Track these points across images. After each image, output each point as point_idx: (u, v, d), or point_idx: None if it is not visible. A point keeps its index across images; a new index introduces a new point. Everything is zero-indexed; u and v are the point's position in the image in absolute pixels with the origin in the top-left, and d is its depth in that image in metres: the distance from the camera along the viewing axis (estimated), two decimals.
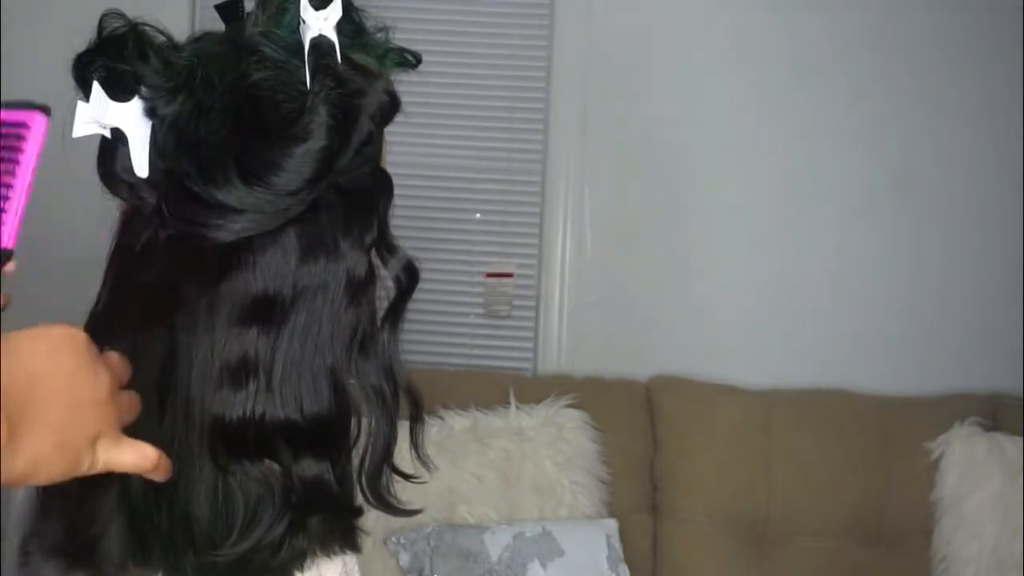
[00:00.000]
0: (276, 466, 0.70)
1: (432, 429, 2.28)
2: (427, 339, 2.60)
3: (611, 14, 2.62)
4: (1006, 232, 2.58)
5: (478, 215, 2.67)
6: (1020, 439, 2.29)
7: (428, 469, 0.77)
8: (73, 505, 0.71)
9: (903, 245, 2.62)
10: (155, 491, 0.69)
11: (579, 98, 2.61)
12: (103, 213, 0.75)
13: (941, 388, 2.49)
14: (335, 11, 0.70)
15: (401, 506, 0.77)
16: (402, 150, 2.48)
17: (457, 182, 2.65)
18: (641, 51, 2.63)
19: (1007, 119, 2.57)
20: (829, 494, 2.35)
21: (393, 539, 2.16)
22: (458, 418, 2.31)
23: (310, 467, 0.71)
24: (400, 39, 0.76)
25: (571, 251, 2.64)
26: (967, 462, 2.30)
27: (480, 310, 2.67)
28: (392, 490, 0.77)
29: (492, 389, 2.39)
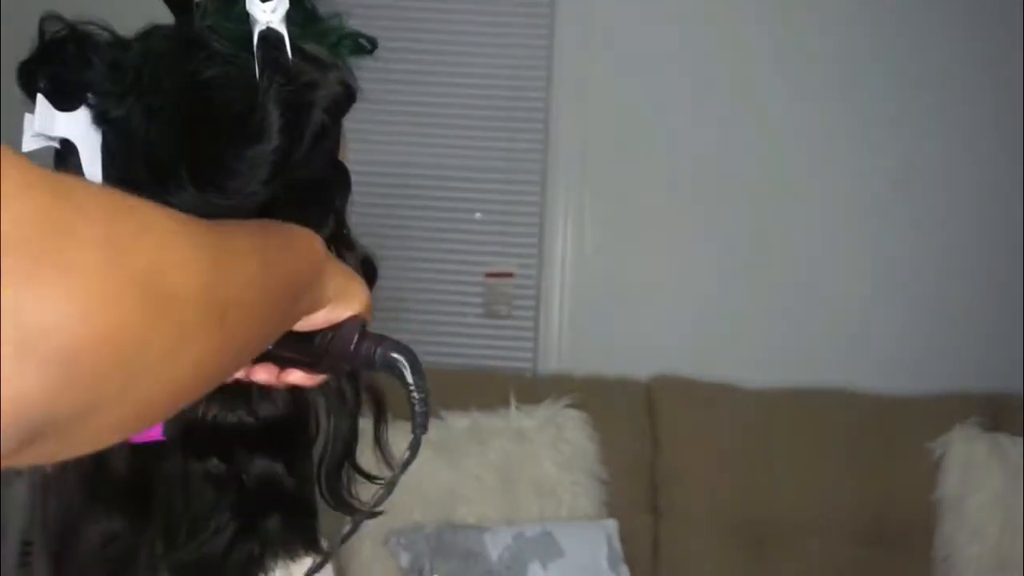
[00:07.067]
0: (225, 466, 0.69)
1: (432, 429, 2.27)
2: (427, 339, 2.60)
3: (611, 14, 2.62)
4: (1006, 232, 2.58)
5: (478, 215, 2.67)
6: (1020, 439, 2.29)
7: (393, 470, 0.74)
8: (75, 510, 0.70)
9: (903, 245, 2.62)
10: (145, 488, 0.69)
11: (579, 98, 2.61)
12: None
13: (941, 388, 2.48)
14: (283, 3, 0.66)
15: (361, 507, 0.73)
16: (403, 150, 2.47)
17: (457, 182, 2.64)
18: (641, 51, 2.63)
19: (1007, 119, 2.57)
20: (829, 494, 2.35)
21: (393, 539, 2.15)
22: (458, 418, 2.30)
23: (264, 467, 0.70)
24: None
25: (571, 251, 2.64)
26: (968, 462, 2.30)
27: (480, 310, 2.66)
28: (354, 491, 0.74)
29: (492, 389, 2.39)
